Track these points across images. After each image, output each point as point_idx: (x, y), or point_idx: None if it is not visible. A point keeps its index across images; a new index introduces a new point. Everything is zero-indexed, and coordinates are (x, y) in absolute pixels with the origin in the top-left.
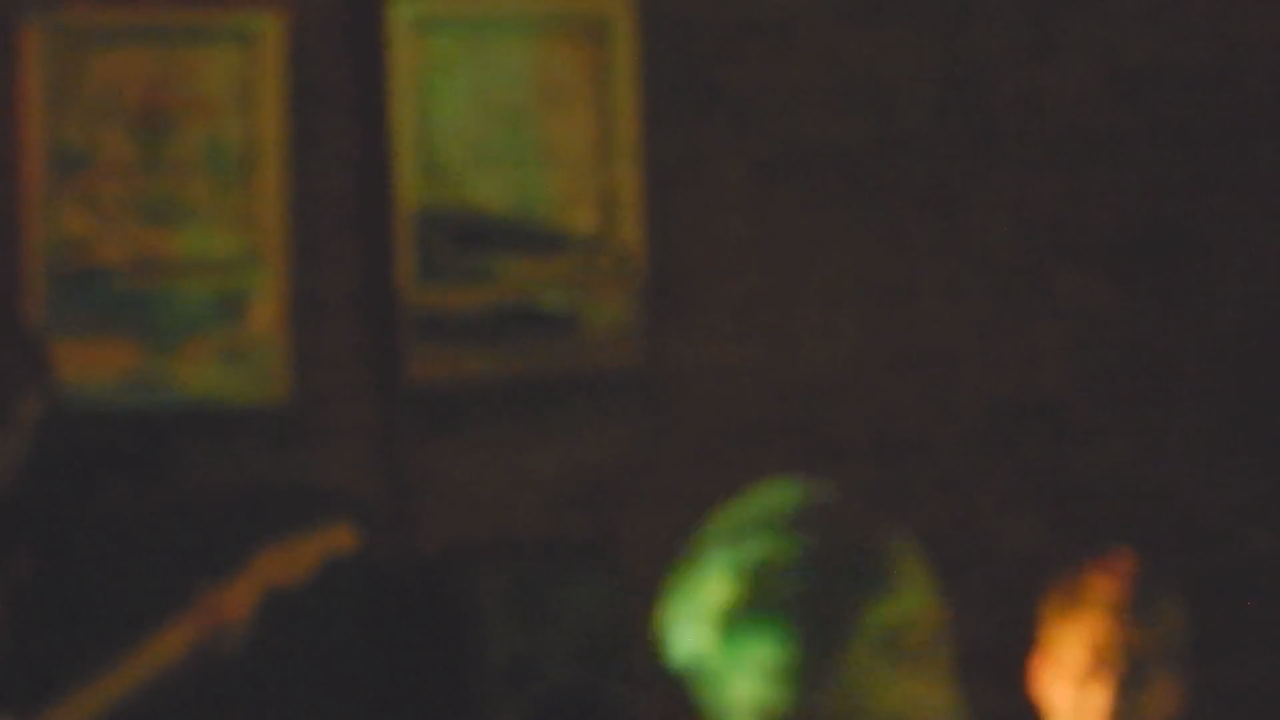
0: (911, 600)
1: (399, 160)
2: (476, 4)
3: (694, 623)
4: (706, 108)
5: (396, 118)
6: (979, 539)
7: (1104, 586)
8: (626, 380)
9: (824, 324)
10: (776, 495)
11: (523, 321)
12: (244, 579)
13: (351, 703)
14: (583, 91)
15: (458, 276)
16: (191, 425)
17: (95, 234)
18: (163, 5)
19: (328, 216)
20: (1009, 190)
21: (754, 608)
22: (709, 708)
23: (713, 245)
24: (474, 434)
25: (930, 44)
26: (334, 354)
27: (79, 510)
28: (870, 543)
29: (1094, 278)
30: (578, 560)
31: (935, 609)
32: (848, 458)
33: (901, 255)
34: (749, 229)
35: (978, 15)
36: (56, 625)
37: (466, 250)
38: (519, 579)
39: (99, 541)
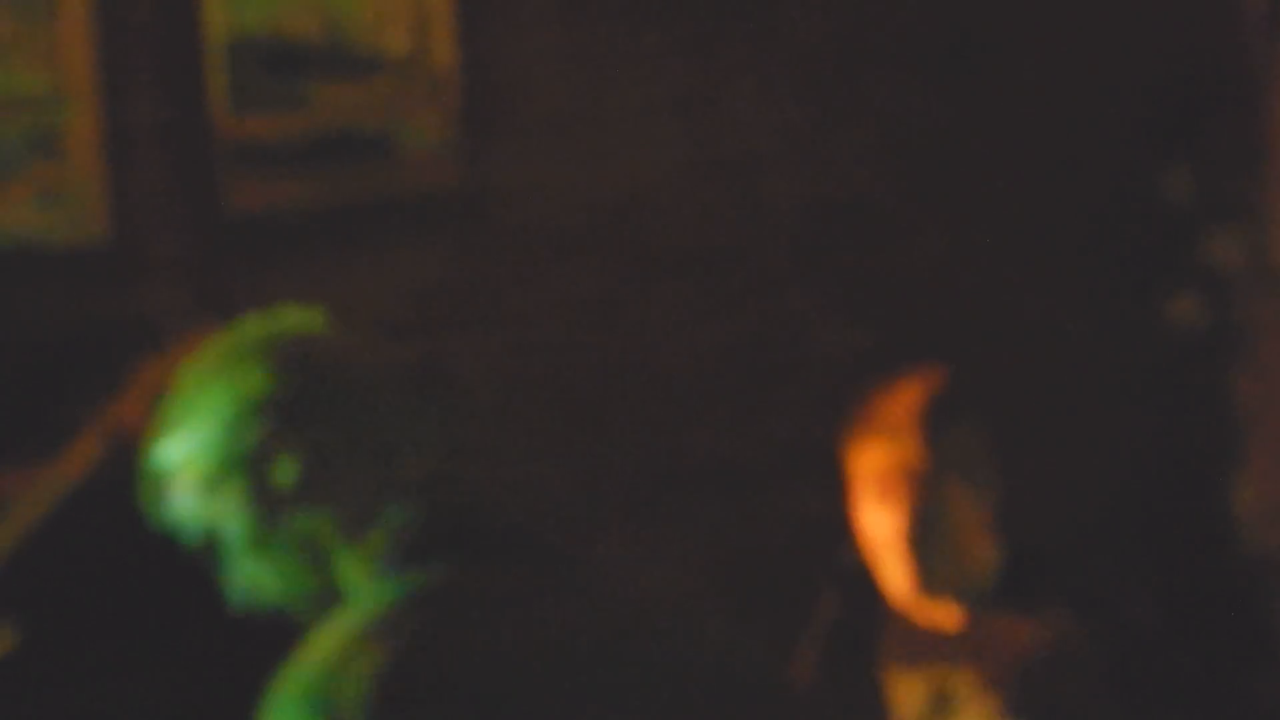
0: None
1: None
2: None
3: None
4: None
5: None
6: (797, 343)
7: (895, 408)
8: (446, 201)
9: (639, 136)
10: (262, 328)
11: (339, 147)
12: (135, 389)
13: None
14: None
15: (271, 105)
16: (10, 268)
17: None
18: None
19: (136, 49)
20: None
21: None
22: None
23: (526, 63)
24: (297, 262)
25: None
26: (151, 189)
27: None
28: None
29: (902, 79)
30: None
31: None
32: (667, 268)
33: (712, 64)
34: (561, 45)
35: None
36: None
37: (279, 78)
38: None
39: None
